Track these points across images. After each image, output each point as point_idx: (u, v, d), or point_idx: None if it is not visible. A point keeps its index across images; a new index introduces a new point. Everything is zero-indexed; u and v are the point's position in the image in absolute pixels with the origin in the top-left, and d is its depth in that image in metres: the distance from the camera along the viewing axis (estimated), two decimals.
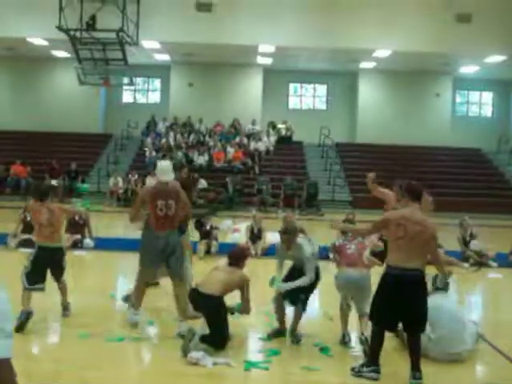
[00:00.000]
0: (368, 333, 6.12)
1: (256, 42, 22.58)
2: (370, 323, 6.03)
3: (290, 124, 27.12)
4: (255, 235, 12.85)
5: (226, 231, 14.40)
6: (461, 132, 27.61)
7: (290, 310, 6.92)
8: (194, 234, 7.48)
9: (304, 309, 6.76)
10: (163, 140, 25.28)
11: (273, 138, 26.41)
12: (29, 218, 12.76)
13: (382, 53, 23.37)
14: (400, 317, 5.74)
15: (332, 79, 28.72)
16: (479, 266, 12.31)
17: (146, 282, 7.41)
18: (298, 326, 6.82)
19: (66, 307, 7.50)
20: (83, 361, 5.97)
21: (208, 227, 12.72)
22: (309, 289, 6.75)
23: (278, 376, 5.94)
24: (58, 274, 7.35)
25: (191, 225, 7.61)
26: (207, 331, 6.48)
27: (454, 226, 13.62)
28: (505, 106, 29.28)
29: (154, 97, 29.88)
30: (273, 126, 27.18)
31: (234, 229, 14.61)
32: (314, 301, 9.22)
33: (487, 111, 29.96)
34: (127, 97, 29.66)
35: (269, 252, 12.53)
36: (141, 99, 29.95)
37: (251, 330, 7.26)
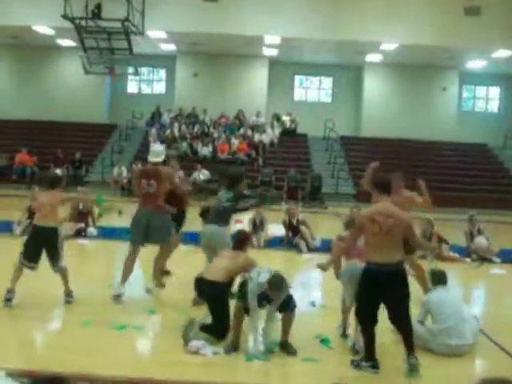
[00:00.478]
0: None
1: (261, 33, 22.51)
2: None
3: (294, 116, 27.05)
4: (257, 227, 12.85)
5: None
6: (467, 127, 27.50)
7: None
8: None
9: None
10: (168, 131, 25.26)
11: (277, 130, 26.36)
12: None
13: (388, 46, 23.27)
14: (380, 310, 5.77)
15: (338, 72, 28.61)
16: (482, 262, 12.28)
17: (134, 253, 7.97)
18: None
19: (68, 294, 7.56)
20: (85, 348, 5.99)
21: None
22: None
23: (278, 367, 5.94)
24: (53, 257, 7.43)
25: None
26: (208, 321, 6.48)
27: (458, 221, 13.59)
28: (511, 102, 29.12)
29: (159, 87, 29.83)
30: (277, 118, 27.12)
31: (236, 220, 14.58)
32: (318, 292, 9.24)
33: (494, 106, 29.81)
34: (132, 87, 29.61)
35: (271, 244, 12.55)
36: (146, 89, 29.90)
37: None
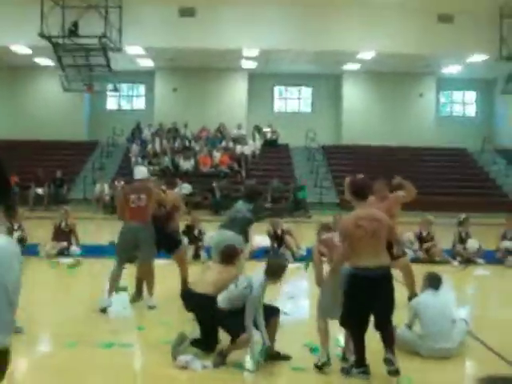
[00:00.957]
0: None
1: (240, 46, 22.61)
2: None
3: (275, 127, 27.15)
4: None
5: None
6: (445, 132, 27.76)
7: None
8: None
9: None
10: (149, 146, 25.21)
11: (259, 142, 26.43)
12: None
13: (366, 54, 23.48)
14: (369, 315, 5.68)
15: (317, 82, 28.79)
16: (467, 264, 12.39)
17: (120, 269, 8.11)
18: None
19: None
20: (73, 369, 5.92)
21: (196, 232, 12.72)
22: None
23: (267, 377, 5.92)
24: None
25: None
26: (197, 335, 6.46)
27: (440, 224, 13.69)
28: (488, 105, 29.46)
29: (139, 103, 29.81)
30: (258, 129, 27.20)
31: None
32: (306, 301, 9.24)
33: (471, 111, 30.14)
34: (112, 103, 29.56)
35: (256, 255, 12.54)
36: (125, 105, 29.86)
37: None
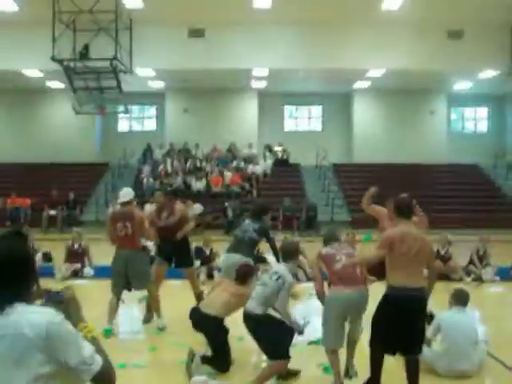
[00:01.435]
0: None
1: (249, 66, 22.71)
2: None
3: (285, 147, 27.19)
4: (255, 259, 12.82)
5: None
6: (457, 148, 27.69)
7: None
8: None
9: None
10: (160, 167, 25.30)
11: (269, 161, 26.45)
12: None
13: (376, 72, 23.51)
14: (401, 339, 5.40)
15: (327, 100, 28.86)
16: (481, 282, 12.28)
17: (117, 296, 8.09)
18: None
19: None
20: None
21: (208, 252, 12.71)
22: None
23: None
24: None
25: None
26: (209, 353, 6.42)
27: (453, 241, 13.57)
28: (500, 121, 29.38)
29: (150, 124, 29.97)
30: (269, 149, 27.25)
31: None
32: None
33: (482, 127, 30.05)
34: (123, 125, 29.75)
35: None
36: (136, 127, 30.04)
37: (255, 353, 7.19)
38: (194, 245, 10.13)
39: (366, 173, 25.61)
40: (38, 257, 12.40)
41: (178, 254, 8.71)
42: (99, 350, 2.50)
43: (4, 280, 2.39)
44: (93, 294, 11.93)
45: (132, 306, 8.51)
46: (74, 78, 20.42)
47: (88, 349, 2.43)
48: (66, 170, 26.05)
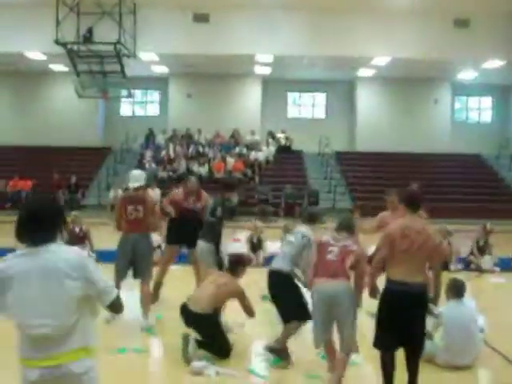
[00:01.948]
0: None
1: (253, 52, 22.61)
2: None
3: (288, 134, 27.12)
4: (255, 245, 12.87)
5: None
6: (460, 138, 27.59)
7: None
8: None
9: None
10: (163, 152, 25.28)
11: (272, 148, 26.40)
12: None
13: (380, 60, 23.39)
14: (403, 335, 5.23)
15: (331, 88, 28.74)
16: (481, 272, 12.29)
17: (120, 281, 7.89)
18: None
19: None
20: None
21: None
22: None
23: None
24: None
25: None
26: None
27: (455, 231, 13.56)
28: (504, 111, 29.25)
29: (153, 109, 29.90)
30: (272, 135, 27.19)
31: (233, 239, 14.59)
32: None
33: (486, 117, 29.94)
34: (126, 109, 29.68)
35: (270, 261, 12.49)
36: (139, 111, 29.96)
37: (254, 340, 7.21)
38: None
39: (369, 161, 25.61)
40: None
41: (195, 236, 8.56)
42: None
43: (46, 224, 3.27)
44: None
45: (133, 289, 8.49)
46: (77, 62, 20.37)
47: (109, 281, 3.37)
48: (69, 154, 26.03)
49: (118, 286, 7.88)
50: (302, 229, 6.33)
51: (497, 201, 23.34)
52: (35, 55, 23.02)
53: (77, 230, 12.92)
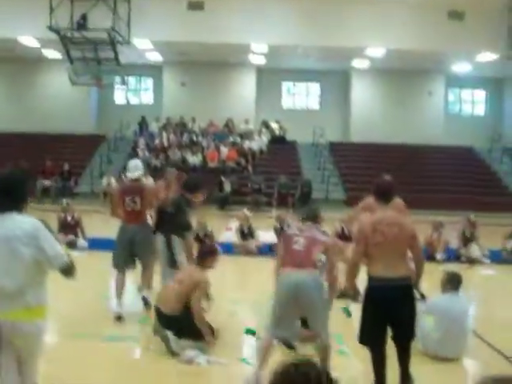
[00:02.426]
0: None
1: (248, 41, 22.55)
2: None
3: (282, 124, 27.11)
4: (246, 235, 12.88)
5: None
6: (453, 130, 27.63)
7: None
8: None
9: None
10: (156, 140, 25.23)
11: (266, 138, 26.38)
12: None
13: (375, 51, 23.37)
14: (388, 330, 5.17)
15: (325, 78, 28.71)
16: (472, 264, 12.37)
17: (122, 271, 7.87)
18: None
19: None
20: (79, 361, 5.95)
21: (201, 235, 12.67)
22: None
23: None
24: None
25: None
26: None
27: (447, 223, 13.65)
28: (497, 104, 29.33)
29: (147, 97, 29.81)
30: (266, 125, 27.16)
31: (226, 228, 14.63)
32: None
33: (480, 109, 30.00)
34: (120, 97, 29.58)
35: (262, 251, 12.55)
36: (133, 99, 29.87)
37: (244, 330, 7.25)
38: None
39: (362, 152, 25.64)
40: None
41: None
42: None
43: (10, 194, 3.76)
44: (88, 265, 11.97)
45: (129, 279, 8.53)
46: (70, 48, 20.27)
47: (60, 247, 3.85)
48: (62, 141, 25.94)
49: (122, 275, 7.88)
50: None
51: (488, 194, 23.44)
52: (29, 41, 22.85)
53: (68, 218, 12.91)
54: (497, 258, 12.74)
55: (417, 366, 5.60)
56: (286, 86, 29.56)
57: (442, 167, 25.32)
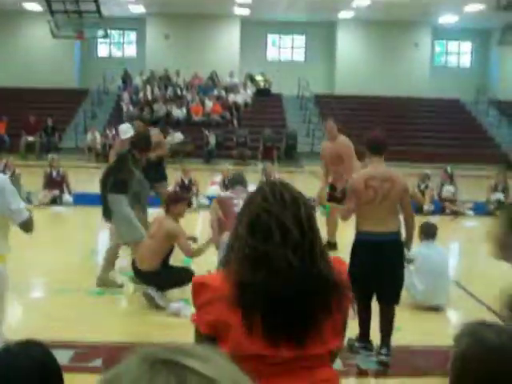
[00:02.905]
0: None
1: None
2: None
3: (268, 76, 26.87)
4: (228, 188, 12.88)
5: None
6: (439, 82, 27.53)
7: None
8: None
9: None
10: (140, 94, 24.94)
11: (251, 91, 26.16)
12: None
13: (361, 2, 23.07)
14: (376, 285, 5.08)
15: (311, 30, 28.37)
16: (456, 216, 12.49)
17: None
18: None
19: None
20: (65, 315, 5.99)
21: (187, 182, 12.71)
22: None
23: None
24: None
25: None
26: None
27: (432, 176, 13.73)
28: (483, 56, 29.19)
29: (130, 50, 29.36)
30: (251, 78, 26.91)
31: (211, 182, 14.62)
32: None
33: (466, 61, 29.86)
34: (103, 50, 29.11)
35: None
36: (116, 53, 29.41)
37: None
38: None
39: (348, 104, 25.52)
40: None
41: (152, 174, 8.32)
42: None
43: None
44: (73, 220, 12.00)
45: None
46: (52, 0, 19.79)
47: (22, 203, 4.01)
48: (43, 96, 25.53)
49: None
50: None
51: (474, 146, 23.53)
52: None
53: (54, 173, 12.82)
54: (481, 210, 12.85)
55: (400, 315, 5.69)
56: (271, 38, 29.19)
57: (427, 120, 25.34)
